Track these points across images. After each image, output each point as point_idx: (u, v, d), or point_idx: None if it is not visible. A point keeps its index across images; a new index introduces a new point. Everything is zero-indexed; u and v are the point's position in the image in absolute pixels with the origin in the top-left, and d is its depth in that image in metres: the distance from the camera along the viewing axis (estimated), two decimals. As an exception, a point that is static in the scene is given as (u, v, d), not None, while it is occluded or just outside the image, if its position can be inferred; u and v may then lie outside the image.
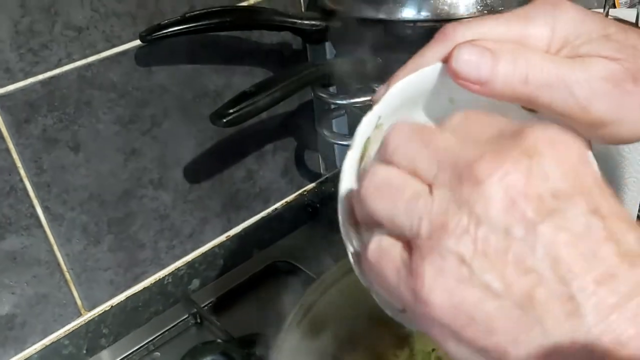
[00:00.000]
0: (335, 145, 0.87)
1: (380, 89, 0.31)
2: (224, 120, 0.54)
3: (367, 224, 0.27)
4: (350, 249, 0.32)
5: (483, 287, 0.22)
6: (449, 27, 0.30)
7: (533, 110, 0.31)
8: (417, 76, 0.31)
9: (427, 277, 0.23)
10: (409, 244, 0.24)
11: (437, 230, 0.23)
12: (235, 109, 0.54)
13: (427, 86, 0.32)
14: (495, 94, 0.29)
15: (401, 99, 0.32)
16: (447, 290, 0.22)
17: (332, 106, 0.77)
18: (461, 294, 0.22)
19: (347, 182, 0.32)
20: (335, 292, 0.47)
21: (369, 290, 0.31)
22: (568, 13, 0.30)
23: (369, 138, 0.32)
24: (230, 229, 0.77)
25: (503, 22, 0.30)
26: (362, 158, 0.33)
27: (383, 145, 0.26)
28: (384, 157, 0.26)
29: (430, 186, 0.24)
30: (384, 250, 0.25)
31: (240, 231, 0.78)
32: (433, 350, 0.47)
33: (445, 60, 0.30)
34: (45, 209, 0.61)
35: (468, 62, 0.28)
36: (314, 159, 0.85)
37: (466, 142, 0.24)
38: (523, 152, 0.23)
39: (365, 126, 0.31)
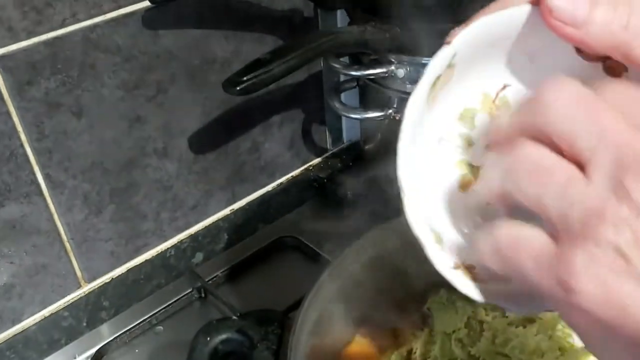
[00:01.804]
0: (343, 119, 0.85)
1: (456, 29, 0.28)
2: (238, 88, 0.52)
3: (498, 203, 0.26)
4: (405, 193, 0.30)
5: None
6: None
7: (615, 75, 0.29)
8: (502, 16, 0.28)
9: (579, 265, 0.22)
10: (554, 230, 0.23)
11: (592, 218, 0.21)
12: (249, 76, 0.52)
13: (510, 31, 0.29)
14: (590, 40, 0.26)
15: (481, 40, 0.29)
16: (601, 280, 0.21)
17: (342, 78, 0.75)
18: (616, 286, 0.21)
19: (410, 130, 0.29)
20: (356, 270, 0.45)
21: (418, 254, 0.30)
22: None
23: (439, 77, 0.29)
24: (235, 202, 0.75)
25: None
26: (428, 99, 0.30)
27: (538, 104, 0.24)
28: (536, 120, 0.24)
29: (583, 167, 0.22)
30: (520, 235, 0.24)
31: (245, 205, 0.76)
32: (453, 332, 0.45)
33: (536, 3, 0.27)
34: (46, 176, 0.58)
35: None
36: (321, 132, 0.82)
37: (635, 127, 0.22)
38: None
39: (439, 62, 0.29)
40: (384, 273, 0.47)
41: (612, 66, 0.30)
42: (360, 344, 0.46)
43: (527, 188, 0.23)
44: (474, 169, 0.35)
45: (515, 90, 0.34)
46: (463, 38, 0.28)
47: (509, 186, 0.24)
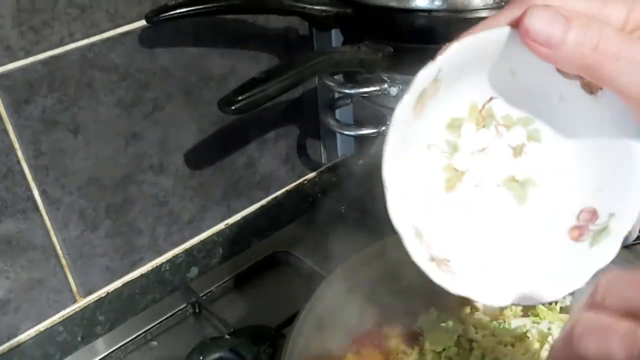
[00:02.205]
0: (338, 135, 0.86)
1: (443, 47, 0.31)
2: (233, 108, 0.52)
3: None
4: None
5: None
6: None
7: (592, 92, 0.31)
8: (484, 35, 0.31)
9: None
10: None
11: None
12: (244, 96, 0.52)
13: (493, 49, 0.31)
14: (562, 59, 0.29)
15: (464, 58, 0.31)
16: None
17: (337, 95, 0.76)
18: None
19: (395, 135, 0.31)
20: (345, 289, 0.46)
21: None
22: None
23: (424, 90, 0.32)
24: (230, 217, 0.76)
25: None
26: (415, 109, 0.32)
27: (594, 288, 0.26)
28: (595, 300, 0.26)
29: None
30: None
31: (240, 219, 0.76)
32: (443, 350, 0.46)
33: (516, 26, 0.30)
34: (43, 193, 0.59)
35: (541, 21, 0.28)
36: (316, 147, 0.83)
37: None
38: None
39: (424, 76, 0.31)
40: (376, 291, 0.47)
41: (588, 83, 0.32)
42: (351, 361, 0.46)
43: (590, 346, 0.25)
44: (458, 173, 0.38)
45: (501, 103, 0.36)
46: (447, 56, 0.31)
47: (578, 350, 0.25)
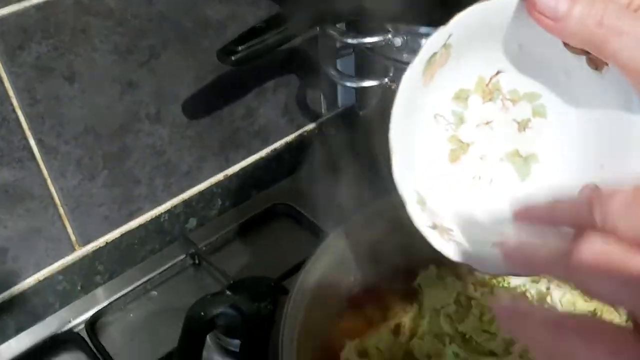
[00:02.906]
0: (338, 85, 0.84)
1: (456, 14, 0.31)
2: (233, 58, 0.51)
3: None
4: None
5: None
6: None
7: (598, 68, 0.32)
8: (494, 4, 0.31)
9: None
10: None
11: None
12: (244, 46, 0.51)
13: (502, 20, 0.32)
14: (568, 32, 0.29)
15: (475, 25, 0.32)
16: None
17: (339, 44, 0.74)
18: None
19: (404, 98, 0.32)
20: (346, 247, 0.45)
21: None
22: None
23: (435, 55, 0.32)
24: (228, 167, 0.75)
25: None
26: (424, 74, 0.33)
27: (603, 213, 0.26)
28: (604, 226, 0.25)
29: None
30: None
31: (239, 171, 0.76)
32: (442, 307, 0.46)
33: None
34: (39, 142, 0.58)
35: None
36: (316, 98, 0.82)
37: None
38: None
39: (435, 40, 0.31)
40: (376, 249, 0.47)
41: (594, 59, 0.32)
42: (350, 318, 0.47)
43: (599, 284, 0.25)
44: (464, 145, 0.38)
45: (508, 77, 0.37)
46: (458, 21, 0.31)
47: (586, 284, 0.26)
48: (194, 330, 0.40)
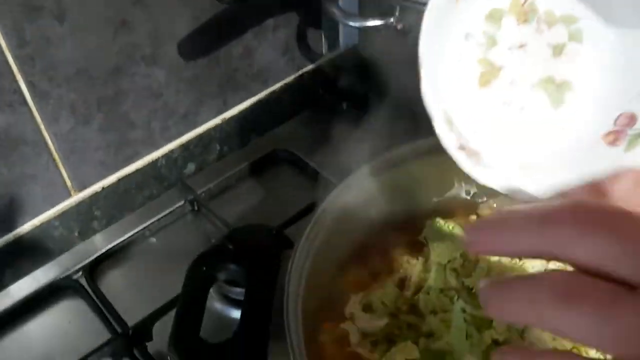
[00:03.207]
0: (340, 24, 0.81)
1: None
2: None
3: None
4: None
5: None
6: None
7: None
8: None
9: None
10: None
11: None
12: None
13: None
14: None
15: None
16: None
17: (341, -20, 0.70)
18: None
19: (434, 11, 0.31)
20: (353, 196, 0.44)
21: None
22: None
23: None
24: (226, 110, 0.73)
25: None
26: None
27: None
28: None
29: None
30: None
31: (237, 114, 0.73)
32: (448, 261, 0.45)
33: None
34: (30, 85, 0.55)
35: None
36: (317, 38, 0.79)
37: None
38: None
39: None
40: (382, 201, 0.46)
41: None
42: (355, 272, 0.46)
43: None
44: (495, 69, 0.37)
45: None
46: None
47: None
48: (196, 287, 0.39)
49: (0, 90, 0.54)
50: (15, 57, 0.53)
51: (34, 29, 0.53)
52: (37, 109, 0.57)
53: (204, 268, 0.40)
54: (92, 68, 0.59)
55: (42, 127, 0.58)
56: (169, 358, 0.37)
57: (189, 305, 0.39)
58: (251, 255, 0.41)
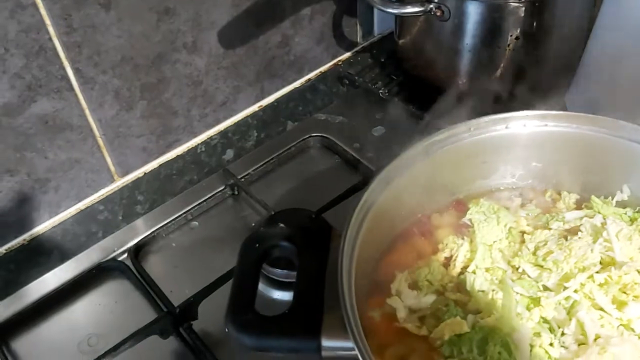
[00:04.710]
0: (375, 11, 0.81)
1: None
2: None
3: None
4: None
5: None
6: None
7: None
8: None
9: None
10: None
11: None
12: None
13: None
14: None
15: None
16: None
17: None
18: None
19: None
20: (397, 181, 0.44)
21: None
22: None
23: None
24: (263, 98, 0.74)
25: None
26: None
27: None
28: None
29: None
30: None
31: (274, 101, 0.74)
32: (494, 242, 0.46)
33: None
34: (76, 71, 0.57)
35: None
36: (352, 25, 0.79)
37: None
38: None
39: None
40: (427, 183, 0.46)
41: None
42: (401, 250, 0.47)
43: None
44: None
45: None
46: None
47: None
48: (250, 262, 0.40)
49: (48, 77, 0.55)
50: (62, 44, 0.55)
51: (81, 16, 0.55)
52: (82, 95, 0.58)
53: (257, 245, 0.41)
54: (136, 55, 0.60)
55: (87, 112, 0.59)
56: (226, 329, 0.38)
57: (243, 279, 0.39)
58: (301, 234, 0.42)
